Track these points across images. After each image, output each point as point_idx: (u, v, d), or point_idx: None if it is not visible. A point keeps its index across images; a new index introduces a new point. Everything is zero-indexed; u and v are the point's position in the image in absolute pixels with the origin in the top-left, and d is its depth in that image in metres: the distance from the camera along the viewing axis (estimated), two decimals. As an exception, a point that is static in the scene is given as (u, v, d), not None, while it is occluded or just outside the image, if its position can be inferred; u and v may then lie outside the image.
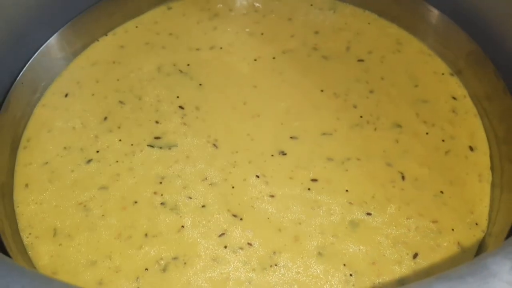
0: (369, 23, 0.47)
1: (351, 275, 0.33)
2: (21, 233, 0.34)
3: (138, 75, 0.43)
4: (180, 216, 0.35)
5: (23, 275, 0.19)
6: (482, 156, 0.38)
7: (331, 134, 0.39)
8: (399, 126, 0.40)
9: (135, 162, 0.37)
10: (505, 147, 0.37)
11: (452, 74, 0.43)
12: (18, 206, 0.35)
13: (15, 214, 0.35)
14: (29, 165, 0.37)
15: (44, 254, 0.33)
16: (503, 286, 0.16)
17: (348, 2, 0.48)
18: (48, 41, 0.42)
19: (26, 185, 0.36)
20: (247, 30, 0.46)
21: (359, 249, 0.34)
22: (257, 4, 0.48)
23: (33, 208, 0.35)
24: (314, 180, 0.37)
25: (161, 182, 0.36)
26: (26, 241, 0.33)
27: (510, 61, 0.38)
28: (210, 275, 0.32)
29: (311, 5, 0.48)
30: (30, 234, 0.34)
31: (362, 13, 0.47)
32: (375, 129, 0.40)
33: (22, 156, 0.38)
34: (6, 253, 0.30)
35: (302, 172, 0.37)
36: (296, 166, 0.37)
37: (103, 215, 0.35)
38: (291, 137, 0.39)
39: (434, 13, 0.43)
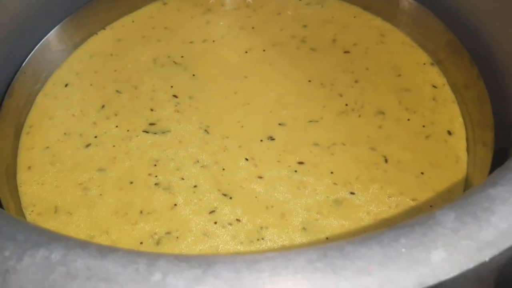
0: (354, 17, 0.50)
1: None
2: (24, 210, 0.37)
3: (134, 66, 0.46)
4: (173, 195, 0.38)
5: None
6: (459, 140, 0.41)
7: (318, 121, 0.42)
8: (382, 113, 0.43)
9: (131, 147, 0.40)
10: (478, 130, 0.40)
11: (432, 64, 0.46)
12: (21, 186, 0.38)
13: (18, 193, 0.38)
14: (32, 149, 0.41)
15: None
16: (446, 232, 0.19)
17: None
18: (49, 34, 0.46)
19: (29, 168, 0.39)
20: (239, 24, 0.50)
21: (341, 224, 0.37)
22: (248, 0, 0.52)
23: (35, 188, 0.38)
24: (300, 163, 0.40)
25: (155, 165, 0.39)
26: (29, 217, 0.36)
27: (484, 48, 0.41)
28: (200, 247, 0.35)
29: (300, 0, 0.52)
30: (32, 211, 0.37)
31: (348, 7, 0.51)
32: (360, 116, 0.43)
33: (25, 141, 0.41)
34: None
35: (289, 156, 0.40)
36: (284, 150, 0.40)
37: (101, 194, 0.38)
38: (279, 124, 0.42)
39: (414, 5, 0.46)
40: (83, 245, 0.19)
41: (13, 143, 0.40)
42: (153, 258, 0.17)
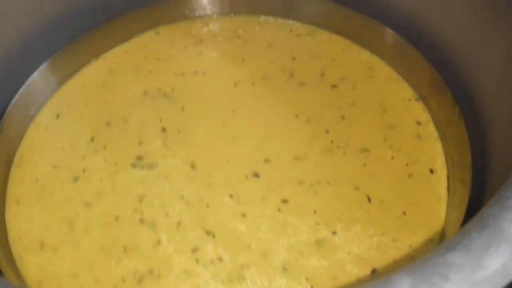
0: (343, 49, 0.51)
1: (312, 287, 0.36)
2: (10, 244, 0.38)
3: (125, 98, 0.47)
4: (157, 232, 0.39)
5: None
6: (441, 179, 0.42)
7: (303, 159, 0.43)
8: (367, 150, 0.44)
9: (118, 181, 0.42)
10: (458, 169, 0.41)
11: (417, 100, 0.47)
12: (9, 220, 0.39)
13: (6, 227, 0.39)
14: (21, 182, 0.42)
15: (31, 265, 0.37)
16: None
17: (326, 28, 0.52)
18: (43, 65, 0.47)
19: (17, 201, 0.41)
20: (230, 55, 0.51)
21: (322, 265, 0.38)
22: (240, 31, 0.53)
23: (22, 222, 0.39)
24: (284, 201, 0.41)
25: (141, 201, 0.40)
26: (15, 252, 0.38)
27: (466, 88, 0.42)
28: (181, 286, 0.36)
29: (290, 31, 0.53)
30: (18, 247, 0.38)
31: (337, 39, 0.52)
32: (345, 153, 0.44)
33: (15, 173, 0.42)
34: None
35: (273, 194, 0.41)
36: (268, 188, 0.41)
37: (86, 230, 0.39)
38: (265, 161, 0.43)
39: (400, 41, 0.47)
40: None
41: (3, 176, 0.42)
42: None
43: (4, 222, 0.39)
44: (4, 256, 0.36)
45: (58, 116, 0.46)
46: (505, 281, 0.20)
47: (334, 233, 0.39)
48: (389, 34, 0.48)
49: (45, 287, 0.36)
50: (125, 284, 0.36)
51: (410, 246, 0.39)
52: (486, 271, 0.20)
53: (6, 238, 0.38)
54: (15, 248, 0.38)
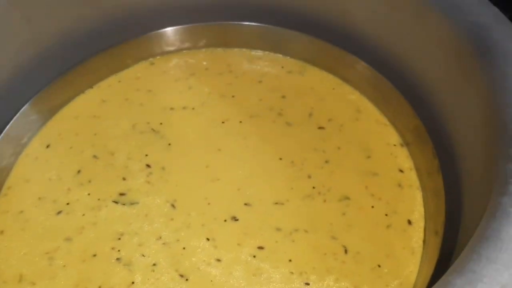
0: (333, 88, 0.52)
1: None
2: (-10, 276, 0.40)
3: (113, 131, 0.49)
4: (132, 272, 0.40)
5: None
6: (418, 230, 0.43)
7: (283, 204, 0.44)
8: (347, 198, 0.44)
9: (99, 217, 0.43)
10: (433, 221, 0.42)
11: (402, 145, 0.47)
12: (-9, 251, 0.41)
13: (-14, 260, 0.40)
14: (6, 212, 0.44)
15: (8, 300, 0.39)
16: None
17: (317, 65, 0.53)
18: (37, 95, 0.49)
19: (1, 232, 0.42)
20: (220, 91, 0.52)
21: (290, 317, 0.38)
22: (232, 65, 0.54)
23: (4, 254, 0.41)
24: (260, 247, 0.41)
25: (119, 238, 0.42)
26: (-8, 286, 0.39)
27: (446, 141, 0.42)
28: (150, 331, 0.37)
29: (282, 67, 0.53)
30: (-2, 281, 0.40)
31: (328, 77, 0.52)
32: (325, 201, 0.44)
33: (1, 203, 0.44)
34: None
35: (250, 239, 0.42)
36: (246, 233, 0.42)
37: (64, 266, 0.40)
38: (245, 204, 0.44)
39: (388, 85, 0.48)
40: None
41: (-11, 206, 0.43)
42: None
43: (-13, 254, 0.41)
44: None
45: (48, 146, 0.48)
46: None
47: (307, 284, 0.40)
48: (377, 77, 0.49)
49: (19, 323, 0.37)
50: (96, 326, 0.37)
51: (380, 301, 0.39)
52: None
53: (-13, 271, 0.40)
54: (-5, 280, 0.40)
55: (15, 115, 0.47)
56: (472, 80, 0.36)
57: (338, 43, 0.51)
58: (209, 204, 0.44)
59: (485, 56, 0.34)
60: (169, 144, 0.48)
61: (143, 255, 0.41)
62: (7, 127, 0.46)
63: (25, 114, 0.48)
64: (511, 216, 0.26)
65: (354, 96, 0.51)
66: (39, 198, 0.44)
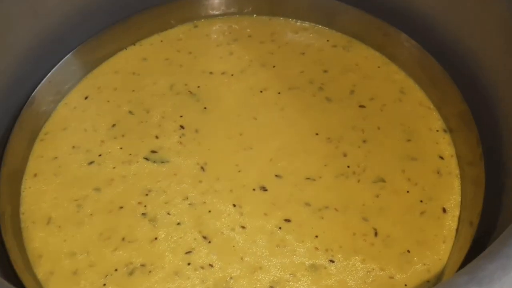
0: (378, 67, 0.50)
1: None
2: (20, 216, 0.42)
3: (151, 89, 0.50)
4: (156, 228, 0.41)
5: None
6: (452, 219, 0.42)
7: (315, 180, 0.44)
8: (382, 180, 0.44)
9: (129, 171, 0.44)
10: (469, 211, 0.41)
11: (445, 131, 0.46)
12: (23, 191, 0.43)
13: (19, 199, 0.42)
14: (41, 157, 0.45)
15: (36, 238, 0.41)
16: None
17: (363, 41, 0.52)
18: (80, 45, 0.50)
19: (35, 175, 0.44)
20: (261, 60, 0.52)
21: (310, 291, 0.38)
22: (275, 34, 0.53)
23: (35, 196, 0.43)
24: (287, 220, 0.41)
25: (147, 194, 0.43)
26: (23, 224, 0.41)
27: (492, 129, 0.40)
28: (168, 286, 0.38)
29: (327, 40, 0.53)
30: (28, 219, 0.42)
31: (374, 55, 0.51)
32: (359, 181, 0.43)
33: (37, 148, 0.46)
34: (0, 231, 0.38)
35: (277, 211, 0.42)
36: (273, 204, 0.42)
37: (91, 214, 0.42)
38: (276, 175, 0.44)
39: (437, 67, 0.46)
40: None
41: (26, 149, 0.45)
42: None
43: (19, 194, 0.43)
44: (12, 226, 0.40)
45: (86, 97, 0.49)
46: None
47: (332, 261, 0.40)
48: (426, 57, 0.47)
49: (43, 262, 0.39)
50: (116, 273, 0.39)
51: (405, 285, 0.39)
52: None
53: (18, 209, 0.42)
54: (24, 220, 0.41)
55: (55, 66, 0.49)
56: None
57: (388, 19, 0.49)
58: (239, 171, 0.44)
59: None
60: (205, 108, 0.48)
61: (168, 213, 0.42)
62: (49, 74, 0.48)
63: (68, 63, 0.49)
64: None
65: (399, 76, 0.50)
66: (73, 147, 0.46)
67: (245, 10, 0.54)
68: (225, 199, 0.42)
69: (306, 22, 0.54)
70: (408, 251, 0.40)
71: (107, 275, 0.39)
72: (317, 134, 0.46)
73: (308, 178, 0.44)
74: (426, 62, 0.47)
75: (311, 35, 0.53)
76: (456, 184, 0.43)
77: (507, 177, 0.37)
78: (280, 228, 0.41)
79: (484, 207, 0.38)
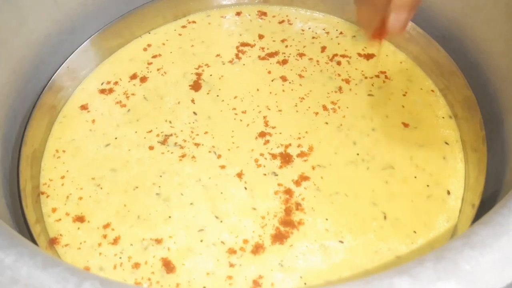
0: (386, 55, 0.53)
1: (305, 283, 0.40)
2: (40, 193, 0.45)
3: (165, 76, 0.53)
4: (170, 208, 0.44)
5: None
6: (456, 200, 0.45)
7: (325, 167, 0.47)
8: (391, 167, 0.46)
9: (144, 154, 0.47)
10: (471, 193, 0.44)
11: (450, 117, 0.49)
12: (43, 170, 0.47)
13: (39, 177, 0.46)
14: (60, 138, 0.49)
15: (54, 212, 0.44)
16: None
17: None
18: (96, 34, 0.53)
19: (54, 155, 0.48)
20: (272, 49, 0.55)
21: (319, 267, 0.41)
22: (287, 23, 0.56)
23: (55, 175, 0.46)
24: (298, 204, 0.44)
25: (161, 176, 0.46)
26: (42, 201, 0.45)
27: (496, 113, 0.43)
28: (183, 261, 0.41)
29: (337, 30, 0.57)
30: (47, 196, 0.45)
31: (383, 42, 0.54)
32: (368, 168, 0.46)
33: (56, 130, 0.50)
34: (21, 206, 0.42)
35: (288, 195, 0.45)
36: (285, 187, 0.45)
37: (108, 193, 0.45)
38: (286, 162, 0.47)
39: (443, 55, 0.50)
40: (33, 254, 0.25)
41: (45, 130, 0.49)
42: (83, 279, 0.23)
43: (39, 173, 0.46)
44: (32, 201, 0.44)
45: (102, 83, 0.53)
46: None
47: (341, 242, 0.43)
48: (434, 46, 0.50)
49: (62, 236, 0.42)
50: (132, 247, 0.42)
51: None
52: (428, 301, 0.23)
53: (38, 187, 0.46)
54: (43, 197, 0.45)
55: (72, 53, 0.52)
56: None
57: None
58: (250, 157, 0.47)
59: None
60: (217, 96, 0.51)
61: (181, 194, 0.45)
62: (67, 60, 0.52)
63: (85, 50, 0.53)
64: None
65: (407, 64, 0.53)
66: (90, 130, 0.49)
67: (257, 0, 0.58)
68: (236, 182, 0.46)
69: (317, 12, 0.57)
70: (415, 232, 0.43)
71: (123, 250, 0.42)
72: (326, 123, 0.49)
73: (319, 165, 0.47)
74: (433, 51, 0.50)
75: (322, 24, 0.56)
76: (461, 167, 0.46)
77: (508, 159, 0.40)
78: (291, 211, 0.44)
79: (485, 189, 0.40)
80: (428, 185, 0.45)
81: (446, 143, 0.47)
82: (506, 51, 0.43)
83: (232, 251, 0.42)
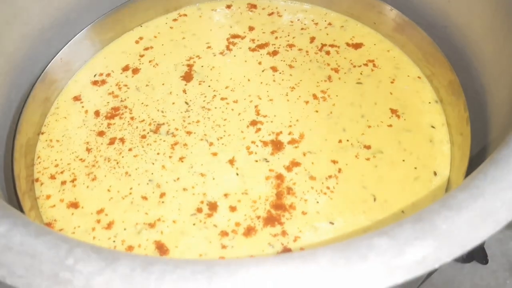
0: (374, 44, 0.56)
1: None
2: (34, 179, 0.47)
3: (157, 68, 0.55)
4: (163, 193, 0.46)
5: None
6: (442, 181, 0.47)
7: (316, 153, 0.48)
8: (380, 152, 0.48)
9: (136, 143, 0.49)
10: (456, 173, 0.46)
11: (436, 102, 0.51)
12: (38, 159, 0.48)
13: (33, 164, 0.48)
14: (53, 128, 0.51)
15: (48, 199, 0.46)
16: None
17: (360, 20, 0.57)
18: (90, 26, 0.55)
19: (48, 145, 0.50)
20: (262, 40, 0.57)
21: (309, 246, 0.42)
22: (277, 15, 0.58)
23: (49, 163, 0.48)
24: (289, 188, 0.46)
25: (153, 163, 0.48)
26: (37, 188, 0.46)
27: (479, 94, 0.45)
28: (176, 243, 0.43)
29: (325, 21, 0.59)
30: (41, 184, 0.47)
31: (370, 33, 0.57)
32: (358, 153, 0.48)
33: (50, 120, 0.51)
34: (16, 193, 0.43)
35: (279, 180, 0.47)
36: (276, 172, 0.47)
37: (101, 180, 0.47)
38: (278, 148, 0.49)
39: (429, 42, 0.52)
40: (26, 224, 0.27)
41: (39, 120, 0.51)
42: (74, 245, 0.25)
43: (33, 159, 0.48)
44: (27, 189, 0.45)
45: (95, 75, 0.55)
46: (422, 272, 0.24)
47: (331, 223, 0.44)
48: (419, 33, 0.53)
49: (57, 221, 0.44)
50: (125, 232, 0.43)
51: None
52: (405, 259, 0.24)
53: (32, 173, 0.47)
54: (38, 184, 0.46)
55: (65, 45, 0.54)
56: (510, 34, 0.40)
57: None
58: (242, 144, 0.49)
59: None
60: (209, 86, 0.53)
61: (174, 180, 0.47)
62: (60, 52, 0.53)
63: (78, 42, 0.55)
64: (523, 145, 0.29)
65: (394, 52, 0.55)
66: (83, 120, 0.51)
67: (248, -7, 0.60)
68: (228, 168, 0.47)
69: (306, 4, 0.59)
70: (403, 212, 0.45)
71: (116, 234, 0.43)
72: (317, 111, 0.51)
73: (309, 152, 0.48)
74: (418, 38, 0.53)
75: (311, 15, 0.58)
76: (447, 149, 0.48)
77: (490, 139, 0.42)
78: (282, 195, 0.46)
79: (468, 168, 0.42)
80: (415, 168, 0.47)
81: (433, 126, 0.49)
82: (487, 35, 0.45)
83: (224, 234, 0.43)
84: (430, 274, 0.56)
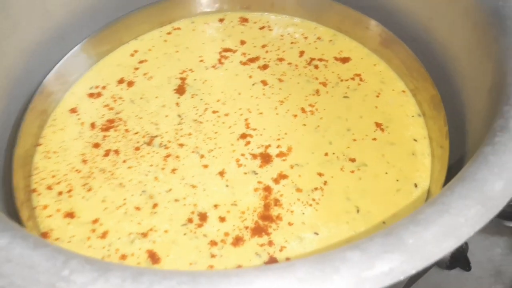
0: (361, 58, 0.58)
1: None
2: (32, 190, 0.49)
3: (151, 81, 0.58)
4: (155, 204, 0.48)
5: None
6: (422, 192, 0.49)
7: (303, 166, 0.51)
8: (365, 165, 0.51)
9: (130, 155, 0.51)
10: (434, 185, 0.48)
11: (419, 115, 0.54)
12: (35, 170, 0.51)
13: (31, 176, 0.50)
14: (50, 140, 0.53)
15: (45, 209, 0.48)
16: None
17: (348, 35, 0.60)
18: (86, 39, 0.58)
19: (45, 156, 0.52)
20: (253, 54, 0.59)
21: (294, 256, 0.45)
22: (267, 30, 0.61)
23: (46, 174, 0.50)
24: (276, 200, 0.48)
25: (146, 175, 0.50)
26: (34, 198, 0.49)
27: (457, 108, 0.48)
28: (167, 252, 0.45)
29: (315, 35, 0.61)
30: (39, 194, 0.49)
31: (357, 47, 0.59)
32: (343, 166, 0.51)
33: (47, 132, 0.54)
34: (14, 202, 0.46)
35: (267, 191, 0.49)
36: (264, 185, 0.49)
37: (97, 191, 0.49)
38: (266, 162, 0.51)
39: (412, 57, 0.55)
40: (25, 237, 0.29)
41: (37, 132, 0.53)
42: (70, 257, 0.27)
43: (31, 171, 0.50)
44: (25, 200, 0.47)
45: (91, 87, 0.57)
46: (389, 283, 0.27)
47: (316, 233, 0.47)
48: (404, 49, 0.56)
49: (54, 230, 0.46)
50: (119, 241, 0.46)
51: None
52: (374, 271, 0.27)
53: (30, 184, 0.49)
54: (36, 194, 0.49)
55: (62, 59, 0.57)
56: (487, 50, 0.42)
57: (368, 13, 0.57)
58: (232, 157, 0.51)
59: (499, 25, 0.40)
60: (201, 99, 0.56)
61: (166, 191, 0.49)
62: (57, 65, 0.56)
63: (74, 56, 0.57)
64: (489, 163, 0.32)
65: (380, 67, 0.58)
66: (79, 132, 0.54)
67: (237, 7, 0.62)
68: (218, 180, 0.50)
69: (297, 18, 0.62)
70: (384, 222, 0.47)
71: (110, 243, 0.46)
72: (304, 124, 0.54)
73: (297, 164, 0.51)
74: (403, 53, 0.55)
75: (300, 29, 0.61)
76: (427, 162, 0.51)
77: (467, 152, 0.45)
78: (270, 207, 0.48)
79: (446, 180, 0.45)
80: (397, 180, 0.50)
81: (415, 140, 0.52)
82: (465, 52, 0.48)
83: (213, 243, 0.46)
84: (414, 281, 0.58)
